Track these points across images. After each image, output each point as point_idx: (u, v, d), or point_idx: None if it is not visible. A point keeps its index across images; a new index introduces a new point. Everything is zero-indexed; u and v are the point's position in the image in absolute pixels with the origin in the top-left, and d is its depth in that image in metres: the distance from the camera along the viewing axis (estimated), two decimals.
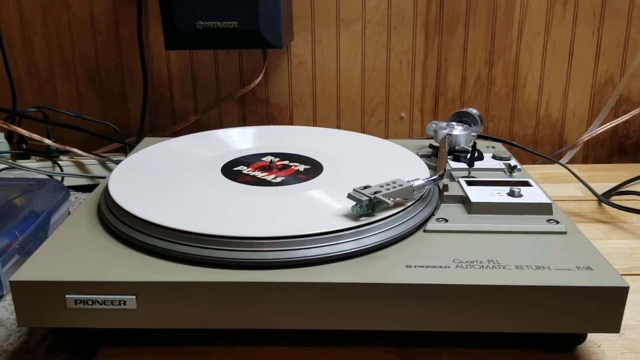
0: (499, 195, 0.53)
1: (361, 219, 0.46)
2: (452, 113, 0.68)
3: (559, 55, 0.90)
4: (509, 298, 0.42)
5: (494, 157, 0.63)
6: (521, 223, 0.50)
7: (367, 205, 0.46)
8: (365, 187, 0.47)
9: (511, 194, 0.53)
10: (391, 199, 0.46)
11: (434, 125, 0.67)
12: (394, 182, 0.49)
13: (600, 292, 0.42)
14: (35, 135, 0.82)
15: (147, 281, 0.42)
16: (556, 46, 0.90)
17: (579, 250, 0.47)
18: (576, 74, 0.91)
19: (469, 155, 0.58)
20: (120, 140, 0.89)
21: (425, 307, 0.42)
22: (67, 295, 0.42)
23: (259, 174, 0.56)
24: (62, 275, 0.43)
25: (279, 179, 0.55)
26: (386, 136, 0.95)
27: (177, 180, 0.55)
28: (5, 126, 0.81)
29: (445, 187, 0.54)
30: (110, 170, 0.87)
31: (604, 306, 0.42)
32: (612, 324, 0.43)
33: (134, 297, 0.42)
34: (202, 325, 0.43)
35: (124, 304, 0.43)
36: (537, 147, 0.95)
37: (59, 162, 0.84)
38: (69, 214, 0.69)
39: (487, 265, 0.44)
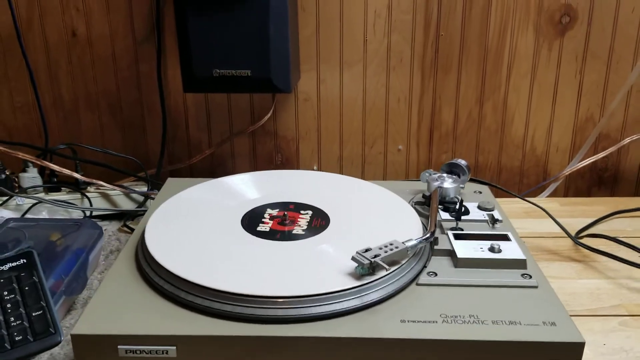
0: (481, 250, 0.61)
1: (363, 278, 0.55)
2: (443, 164, 0.76)
3: (544, 95, 0.98)
4: (486, 349, 0.51)
5: (479, 207, 0.71)
6: (499, 277, 0.59)
7: (368, 267, 0.55)
8: (366, 250, 0.56)
9: (492, 249, 0.61)
10: (387, 266, 0.55)
11: (427, 175, 0.75)
12: (391, 244, 0.57)
13: (561, 346, 0.51)
14: (65, 170, 0.90)
15: (184, 335, 0.51)
16: (542, 87, 0.98)
17: (546, 305, 0.55)
18: (559, 112, 0.99)
19: (457, 207, 0.67)
20: (141, 177, 0.97)
21: (416, 355, 0.51)
22: (119, 346, 0.51)
23: (275, 229, 0.65)
24: (115, 329, 0.51)
25: (292, 231, 0.64)
26: (385, 166, 1.04)
27: (205, 234, 0.64)
28: (39, 162, 0.89)
29: (436, 240, 0.63)
30: (132, 199, 0.95)
31: (564, 357, 0.51)
32: None
33: (175, 347, 0.51)
34: None
35: (166, 353, 0.51)
36: (523, 177, 1.04)
37: (87, 194, 0.92)
38: (102, 252, 0.77)
39: (468, 320, 0.53)
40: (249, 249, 0.61)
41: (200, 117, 1.02)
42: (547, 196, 1.00)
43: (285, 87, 0.88)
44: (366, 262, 0.54)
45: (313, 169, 1.04)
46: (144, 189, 0.96)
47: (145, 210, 0.92)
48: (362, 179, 1.04)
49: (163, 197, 0.78)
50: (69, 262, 0.69)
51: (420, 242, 0.59)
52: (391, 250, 0.56)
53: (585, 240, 0.80)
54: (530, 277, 0.59)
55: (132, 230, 0.87)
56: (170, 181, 0.83)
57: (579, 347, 0.51)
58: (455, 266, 0.60)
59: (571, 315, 0.65)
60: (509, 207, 0.85)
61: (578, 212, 0.91)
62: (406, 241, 0.58)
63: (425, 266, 0.61)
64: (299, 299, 0.53)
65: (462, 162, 0.76)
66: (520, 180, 1.04)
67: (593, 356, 0.60)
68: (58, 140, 1.03)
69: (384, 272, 0.55)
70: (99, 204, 0.93)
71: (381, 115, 1.01)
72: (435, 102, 1.00)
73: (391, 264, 0.57)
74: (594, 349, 0.61)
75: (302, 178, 0.80)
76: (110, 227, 0.88)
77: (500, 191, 1.04)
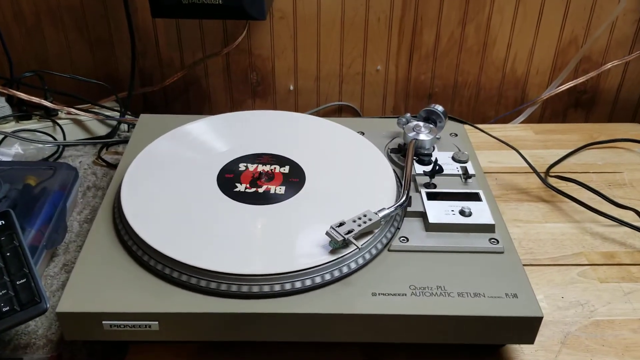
0: (452, 213, 0.63)
1: (336, 251, 0.57)
2: (421, 110, 0.75)
3: (529, 17, 0.95)
4: (451, 322, 0.54)
5: (453, 158, 0.72)
6: (468, 242, 0.61)
7: (342, 242, 0.56)
8: (340, 224, 0.57)
9: (462, 212, 0.63)
10: (359, 244, 0.56)
11: (403, 120, 0.75)
12: (365, 216, 0.59)
13: (520, 319, 0.54)
14: (34, 98, 0.87)
15: (166, 312, 0.53)
16: (527, 7, 0.94)
17: (510, 273, 0.58)
18: (543, 34, 0.97)
19: (431, 167, 0.67)
20: (115, 110, 0.94)
21: (387, 327, 0.55)
22: (103, 322, 0.53)
23: (250, 190, 0.65)
24: (98, 306, 0.53)
25: (269, 191, 0.64)
26: (362, 86, 1.02)
27: (182, 199, 0.64)
28: (5, 91, 0.86)
29: (409, 201, 0.64)
30: (105, 124, 0.93)
31: (523, 328, 0.55)
32: (528, 339, 0.56)
33: (157, 322, 0.54)
34: (212, 339, 0.56)
35: (149, 327, 0.54)
36: (501, 98, 1.03)
37: (58, 121, 0.90)
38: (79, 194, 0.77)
39: (435, 292, 0.56)
40: (226, 218, 0.62)
41: (170, 35, 0.97)
42: (523, 120, 1.01)
43: (260, 13, 0.84)
44: (340, 238, 0.56)
45: (289, 89, 1.02)
46: (117, 115, 0.94)
47: (119, 141, 0.91)
48: (339, 100, 1.03)
49: (137, 139, 0.77)
50: (47, 212, 0.70)
51: (394, 210, 0.60)
52: (364, 223, 0.58)
53: (555, 181, 0.82)
54: (497, 242, 0.61)
55: (107, 163, 0.86)
56: (143, 119, 0.82)
57: (537, 320, 0.54)
58: (426, 230, 0.62)
59: (534, 266, 0.70)
60: (483, 137, 0.85)
61: (552, 142, 0.92)
62: (379, 211, 0.59)
63: (398, 228, 0.63)
64: (275, 276, 0.55)
65: (439, 108, 0.75)
66: (497, 101, 1.04)
67: (550, 310, 0.64)
68: (24, 59, 0.98)
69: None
70: (72, 131, 0.91)
71: (360, 35, 0.97)
72: (416, 22, 0.96)
73: (365, 234, 0.59)
74: (552, 302, 0.65)
75: (274, 121, 0.79)
76: (85, 159, 0.87)
77: (475, 118, 1.04)
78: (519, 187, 0.82)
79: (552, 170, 0.85)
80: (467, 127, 0.83)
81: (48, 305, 0.57)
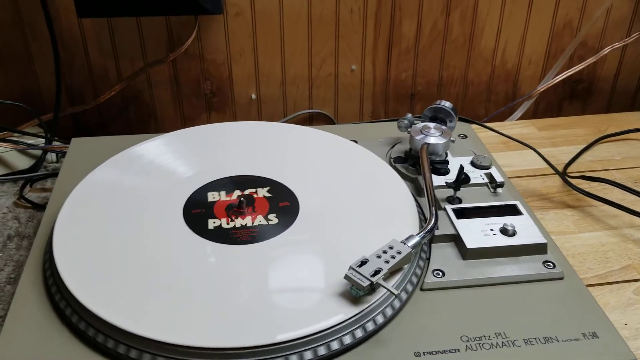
0: (492, 233, 0.49)
1: (359, 300, 0.42)
2: (426, 109, 0.62)
3: (520, 0, 0.84)
4: None
5: (473, 164, 0.58)
6: (517, 269, 0.48)
7: (368, 289, 0.42)
8: (362, 264, 0.42)
9: (504, 231, 0.49)
10: (395, 290, 0.41)
11: (405, 122, 0.61)
12: (391, 248, 0.44)
13: None
14: None
15: None
16: None
17: (578, 304, 0.45)
18: (535, 19, 0.86)
19: (456, 177, 0.54)
20: (39, 136, 0.76)
21: None
22: None
23: (229, 225, 0.49)
24: None
25: (254, 232, 0.49)
26: (336, 89, 0.88)
27: (140, 251, 0.47)
28: None
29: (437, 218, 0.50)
30: (27, 155, 0.75)
31: None
32: None
33: None
34: None
35: None
36: (491, 94, 0.92)
37: None
38: None
39: (497, 343, 0.42)
40: (199, 265, 0.46)
41: (103, 39, 0.80)
42: (520, 117, 0.89)
43: (215, 6, 0.68)
44: (366, 283, 0.41)
45: (251, 98, 0.87)
46: (42, 143, 0.76)
47: (46, 175, 0.74)
48: (310, 108, 0.89)
49: (69, 170, 0.60)
50: None
51: (424, 236, 0.46)
52: (393, 258, 0.43)
53: (577, 181, 0.70)
54: (554, 265, 0.48)
55: (32, 204, 0.68)
56: (75, 143, 0.64)
57: None
58: (464, 257, 0.49)
59: None
60: (486, 138, 0.73)
61: (559, 138, 0.81)
62: (407, 239, 0.45)
63: (427, 259, 0.48)
64: (278, 346, 0.39)
65: (447, 104, 0.62)
66: (487, 98, 0.92)
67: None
68: None
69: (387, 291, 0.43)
70: None
71: (331, 30, 0.83)
72: (394, 13, 0.83)
73: (391, 274, 0.44)
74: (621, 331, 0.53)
75: (241, 134, 0.63)
76: (3, 201, 0.69)
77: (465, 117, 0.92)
78: (538, 193, 0.70)
79: (569, 169, 0.74)
80: (473, 126, 0.70)
81: None
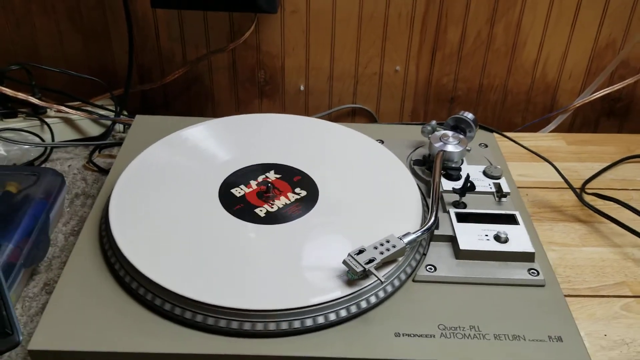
0: (486, 239, 0.55)
1: (354, 282, 0.49)
2: (449, 118, 0.67)
3: (564, 16, 0.87)
4: None
5: (485, 173, 0.64)
6: (504, 273, 0.53)
7: (361, 273, 0.49)
8: (359, 252, 0.49)
9: (497, 238, 0.55)
10: (382, 277, 0.48)
11: (428, 129, 0.67)
12: (388, 242, 0.51)
13: None
14: (20, 94, 0.80)
15: (158, 353, 0.46)
16: (562, 6, 0.86)
17: (553, 311, 0.51)
18: (578, 36, 0.89)
19: (462, 184, 0.59)
20: (109, 109, 0.86)
21: None
22: None
23: (258, 210, 0.57)
24: (79, 344, 0.46)
25: (280, 209, 0.57)
26: (379, 88, 0.94)
27: (179, 219, 0.56)
28: None
29: (437, 223, 0.56)
30: (99, 124, 0.86)
31: None
32: None
33: None
34: None
35: None
36: (529, 104, 0.95)
37: (47, 120, 0.82)
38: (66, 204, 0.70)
39: (469, 334, 0.48)
40: (230, 241, 0.54)
41: (172, 26, 0.89)
42: (553, 129, 0.93)
43: (271, 6, 0.76)
44: (359, 269, 0.48)
45: (299, 89, 0.94)
46: (112, 114, 0.86)
47: (113, 143, 0.84)
48: (353, 103, 0.95)
49: (131, 143, 0.70)
50: (28, 224, 0.62)
51: (420, 234, 0.52)
52: (387, 250, 0.50)
53: (592, 198, 0.74)
54: (538, 273, 0.54)
55: (98, 168, 0.79)
56: (139, 120, 0.74)
57: None
58: (457, 257, 0.55)
59: (572, 297, 0.62)
60: (512, 148, 0.77)
61: (586, 154, 0.84)
62: (404, 236, 0.52)
63: (424, 254, 0.55)
64: (282, 312, 0.47)
65: (469, 115, 0.67)
66: (525, 108, 0.95)
67: (593, 351, 0.56)
68: (10, 50, 0.90)
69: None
70: (61, 132, 0.83)
71: (378, 32, 0.89)
72: (440, 19, 0.88)
73: (387, 263, 0.51)
74: (594, 341, 0.57)
75: (281, 126, 0.71)
76: (74, 163, 0.80)
77: (501, 124, 0.96)
78: (552, 205, 0.75)
79: (587, 186, 0.78)
80: (496, 135, 0.75)
81: (21, 338, 0.50)
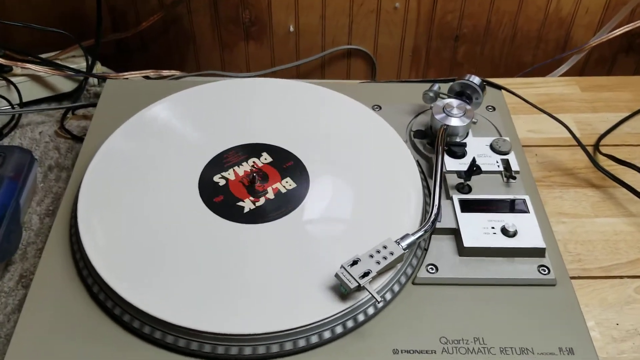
0: (492, 232, 0.50)
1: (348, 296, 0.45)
2: (453, 83, 0.60)
3: None
4: None
5: (492, 147, 0.58)
6: (511, 272, 0.49)
7: (355, 289, 0.44)
8: (354, 263, 0.45)
9: (505, 231, 0.50)
10: (378, 297, 0.44)
11: (430, 95, 0.60)
12: (385, 248, 0.46)
13: None
14: None
15: None
16: None
17: (564, 316, 0.47)
18: None
19: (467, 168, 0.54)
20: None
21: None
22: None
23: (242, 203, 0.52)
24: None
25: (264, 205, 0.52)
26: (377, 27, 0.85)
27: (154, 221, 0.51)
28: None
29: (439, 216, 0.51)
30: (70, 80, 0.78)
31: None
32: None
33: None
34: None
35: None
36: (540, 42, 0.87)
37: (12, 79, 0.75)
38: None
39: (473, 349, 0.45)
40: (211, 248, 0.49)
41: None
42: (565, 72, 0.85)
43: None
44: (353, 285, 0.44)
45: (289, 30, 0.86)
46: (82, 68, 0.78)
47: (86, 105, 0.77)
48: (348, 43, 0.87)
49: (103, 110, 0.64)
50: None
51: (420, 236, 0.48)
52: (385, 259, 0.46)
53: (607, 162, 0.68)
54: (548, 270, 0.49)
55: (72, 135, 0.72)
56: (110, 85, 0.67)
57: None
58: (460, 254, 0.50)
59: (582, 278, 0.59)
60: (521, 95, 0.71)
61: (601, 102, 0.77)
62: (402, 239, 0.47)
63: (425, 249, 0.50)
64: (270, 335, 0.44)
65: (476, 80, 0.60)
66: (536, 45, 0.87)
67: (604, 343, 0.53)
68: None
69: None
70: (30, 90, 0.76)
71: None
72: None
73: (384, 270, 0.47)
74: (605, 331, 0.54)
75: (266, 93, 0.64)
76: (46, 129, 0.73)
77: (509, 64, 0.88)
78: (563, 167, 0.69)
79: (602, 142, 0.72)
80: (504, 92, 0.68)
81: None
